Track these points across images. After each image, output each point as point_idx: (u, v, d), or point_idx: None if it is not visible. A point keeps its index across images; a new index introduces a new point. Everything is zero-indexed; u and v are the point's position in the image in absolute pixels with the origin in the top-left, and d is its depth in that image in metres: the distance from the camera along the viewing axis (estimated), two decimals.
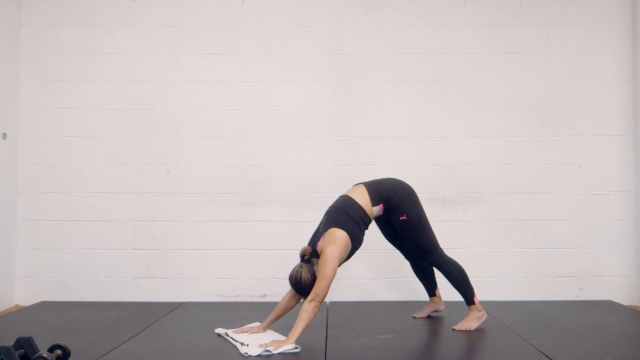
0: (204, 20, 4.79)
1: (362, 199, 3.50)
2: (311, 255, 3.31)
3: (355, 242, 3.41)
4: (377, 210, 3.54)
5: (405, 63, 4.78)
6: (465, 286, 3.61)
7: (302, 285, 3.23)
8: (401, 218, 3.54)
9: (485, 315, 3.64)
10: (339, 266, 3.32)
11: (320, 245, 3.31)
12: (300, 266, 3.28)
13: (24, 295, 4.67)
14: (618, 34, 4.78)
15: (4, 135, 4.52)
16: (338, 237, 3.30)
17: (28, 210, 4.71)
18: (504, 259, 4.69)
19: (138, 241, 4.70)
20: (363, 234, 3.49)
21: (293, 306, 3.45)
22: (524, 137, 4.75)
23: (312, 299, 3.13)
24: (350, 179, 4.64)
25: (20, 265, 4.69)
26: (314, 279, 3.21)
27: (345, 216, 3.40)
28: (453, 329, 3.56)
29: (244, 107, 4.76)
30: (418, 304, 4.23)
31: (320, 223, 3.45)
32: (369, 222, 3.55)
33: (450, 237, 4.64)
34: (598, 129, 4.75)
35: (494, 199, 4.72)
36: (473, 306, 3.61)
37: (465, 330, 3.54)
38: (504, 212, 4.72)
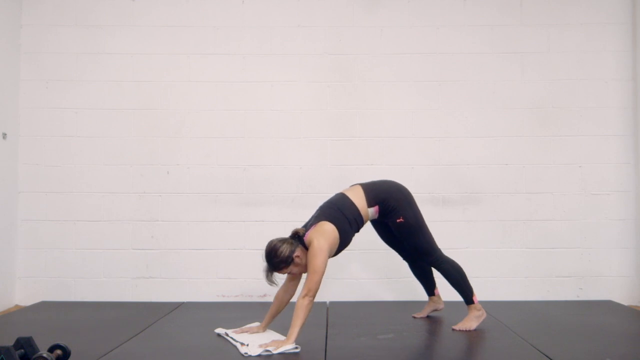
0: (204, 20, 4.79)
1: (358, 199, 3.48)
2: (300, 240, 3.29)
3: (343, 239, 3.37)
4: (372, 212, 3.52)
5: (405, 63, 4.78)
6: (464, 286, 3.60)
7: (273, 256, 3.19)
8: (398, 220, 3.52)
9: (485, 315, 3.64)
10: None
11: (309, 235, 3.28)
12: (285, 240, 3.24)
13: (24, 295, 4.67)
14: (618, 34, 4.78)
15: (4, 135, 4.52)
16: (327, 230, 3.28)
17: (28, 210, 4.71)
18: (504, 259, 4.69)
19: (138, 241, 4.70)
20: (353, 234, 3.47)
21: (288, 301, 3.44)
22: (524, 137, 4.75)
23: (306, 294, 3.11)
24: (350, 179, 4.63)
25: (20, 265, 4.69)
26: (289, 259, 3.19)
27: (338, 212, 3.39)
28: (453, 329, 3.56)
29: (244, 107, 4.76)
30: (418, 304, 4.22)
31: (312, 216, 3.45)
32: (362, 223, 3.52)
33: (450, 237, 4.64)
34: (598, 129, 4.75)
35: (494, 199, 4.72)
36: (472, 305, 3.60)
37: (465, 330, 3.54)
38: (504, 212, 4.71)
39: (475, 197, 4.72)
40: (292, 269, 3.27)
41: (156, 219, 4.71)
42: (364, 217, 3.50)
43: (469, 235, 4.70)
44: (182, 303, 4.49)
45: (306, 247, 3.28)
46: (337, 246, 3.36)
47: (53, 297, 4.65)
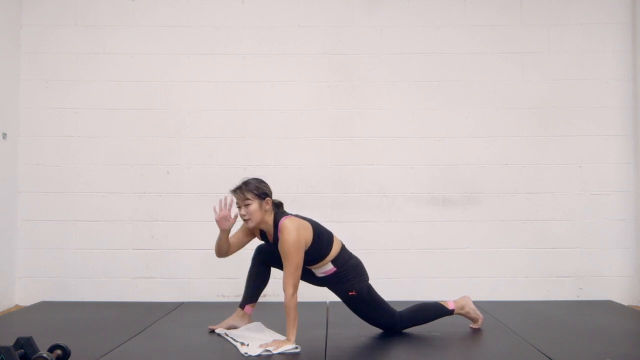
0: (204, 20, 4.78)
1: (336, 246, 3.35)
2: (278, 213, 3.31)
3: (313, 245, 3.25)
4: (328, 267, 3.33)
5: (405, 63, 4.78)
6: (435, 312, 3.49)
7: (257, 180, 3.35)
8: (350, 293, 3.34)
9: (466, 296, 3.58)
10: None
11: (285, 221, 3.21)
12: (270, 190, 3.33)
13: (24, 295, 4.67)
14: (618, 34, 4.78)
15: (4, 135, 4.52)
16: (305, 228, 3.23)
17: (28, 210, 4.71)
18: (504, 259, 4.69)
19: (138, 241, 4.70)
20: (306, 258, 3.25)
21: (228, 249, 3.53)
22: (524, 137, 4.74)
23: (293, 292, 3.08)
24: (350, 179, 4.65)
25: (20, 265, 4.69)
26: (263, 195, 3.29)
27: (320, 232, 3.30)
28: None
29: (244, 107, 4.76)
30: None
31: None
32: (315, 262, 3.31)
33: (450, 237, 4.64)
34: (598, 129, 4.75)
35: (494, 199, 4.72)
36: (456, 310, 3.52)
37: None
38: (504, 212, 4.71)
39: (475, 197, 4.72)
40: (251, 207, 3.27)
41: (156, 219, 4.71)
42: (323, 262, 3.31)
43: (469, 235, 4.70)
44: (182, 303, 4.49)
45: (275, 224, 3.27)
46: (307, 245, 3.22)
47: (53, 297, 4.65)
